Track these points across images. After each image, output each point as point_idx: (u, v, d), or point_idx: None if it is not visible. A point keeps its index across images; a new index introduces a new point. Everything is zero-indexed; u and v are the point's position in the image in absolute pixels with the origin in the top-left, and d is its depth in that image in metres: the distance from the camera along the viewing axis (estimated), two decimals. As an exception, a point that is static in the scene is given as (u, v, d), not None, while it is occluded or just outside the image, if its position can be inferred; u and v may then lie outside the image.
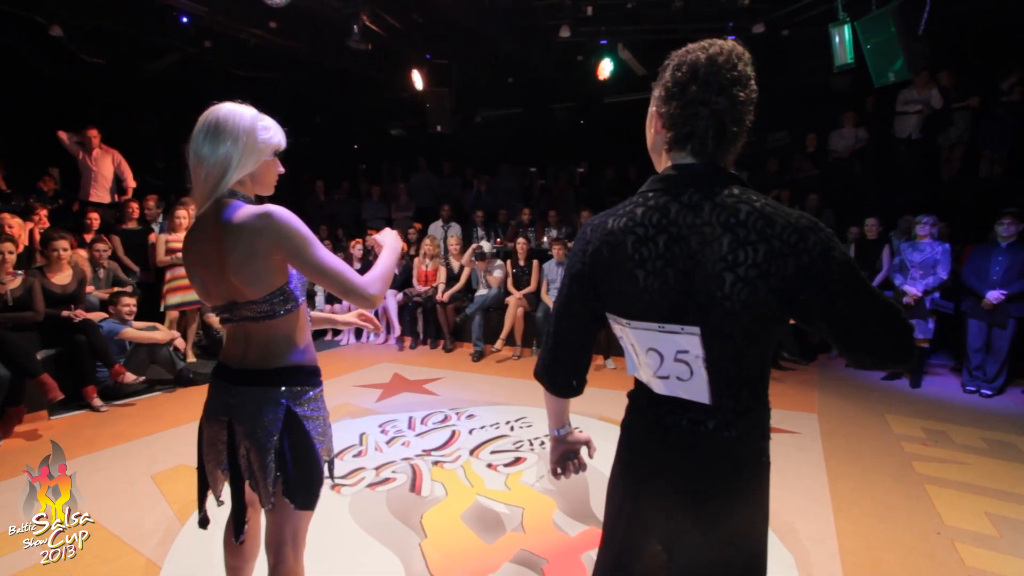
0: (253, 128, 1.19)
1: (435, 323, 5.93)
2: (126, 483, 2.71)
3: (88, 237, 4.98)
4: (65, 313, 3.88)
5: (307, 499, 1.24)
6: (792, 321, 0.90)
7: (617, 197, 7.65)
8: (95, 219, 5.19)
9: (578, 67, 7.46)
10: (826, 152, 6.87)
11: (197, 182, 1.18)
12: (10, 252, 3.72)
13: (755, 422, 0.92)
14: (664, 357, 0.92)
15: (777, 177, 7.02)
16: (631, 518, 1.00)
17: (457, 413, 3.73)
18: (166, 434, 3.38)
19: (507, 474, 2.79)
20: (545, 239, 6.68)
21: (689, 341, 0.88)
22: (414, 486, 2.66)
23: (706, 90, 0.87)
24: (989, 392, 4.18)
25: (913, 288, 4.49)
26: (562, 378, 1.08)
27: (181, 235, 4.95)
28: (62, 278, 4.04)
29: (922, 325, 4.41)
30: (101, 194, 5.76)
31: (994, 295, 4.12)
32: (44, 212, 5.14)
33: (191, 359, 4.98)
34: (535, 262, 5.74)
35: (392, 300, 6.02)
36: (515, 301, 5.48)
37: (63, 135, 5.62)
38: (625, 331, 0.97)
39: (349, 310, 5.63)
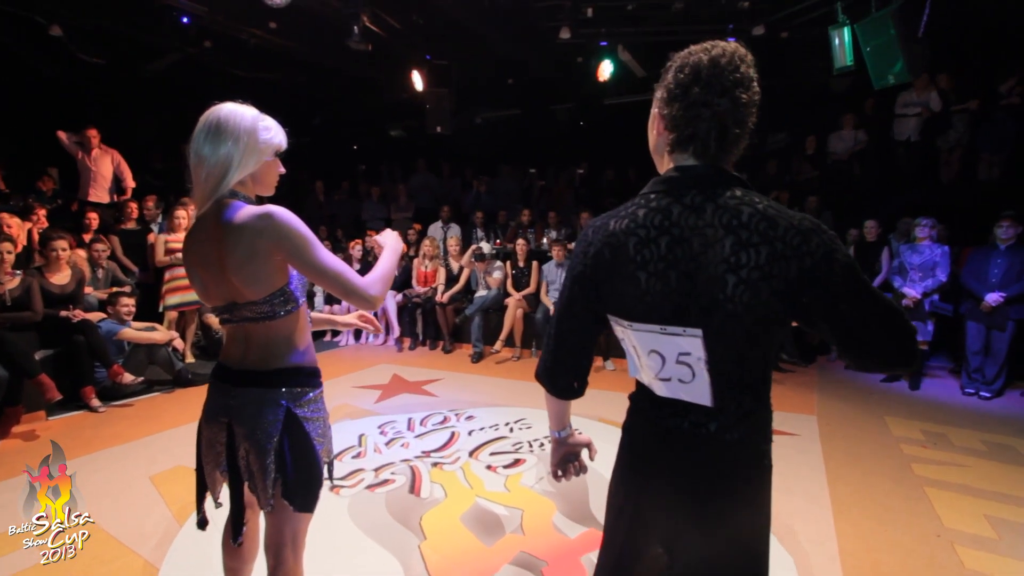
0: (254, 128, 1.18)
1: (434, 324, 5.92)
2: (124, 484, 2.70)
3: (87, 237, 4.97)
4: (63, 313, 3.87)
5: (307, 501, 1.24)
6: (794, 324, 0.89)
7: (616, 198, 7.68)
8: (94, 219, 5.18)
9: (578, 68, 7.47)
10: (825, 154, 6.88)
11: (198, 182, 1.18)
12: (9, 252, 3.71)
13: (757, 425, 0.91)
14: (666, 359, 0.91)
15: (776, 179, 7.04)
16: (632, 520, 1.00)
17: (456, 414, 3.72)
18: (164, 435, 3.37)
19: (506, 476, 2.78)
20: (545, 240, 6.68)
21: (691, 343, 0.88)
22: (413, 488, 2.65)
23: (708, 92, 0.87)
24: (988, 394, 4.19)
25: (912, 290, 4.50)
26: (563, 380, 1.08)
27: (180, 235, 4.95)
28: (61, 278, 4.03)
29: (921, 327, 4.42)
30: (100, 194, 5.75)
31: (993, 297, 4.13)
32: (43, 212, 5.13)
33: (190, 360, 4.97)
34: (534, 263, 5.74)
35: (391, 301, 6.01)
36: (514, 302, 5.48)
37: (62, 135, 5.61)
38: (627, 333, 0.96)
39: (349, 311, 5.63)
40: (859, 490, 2.66)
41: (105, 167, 5.75)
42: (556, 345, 1.06)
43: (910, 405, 4.03)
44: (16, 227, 4.44)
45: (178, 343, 4.54)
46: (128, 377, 3.90)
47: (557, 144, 9.70)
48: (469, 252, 5.93)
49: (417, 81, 7.02)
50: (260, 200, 1.26)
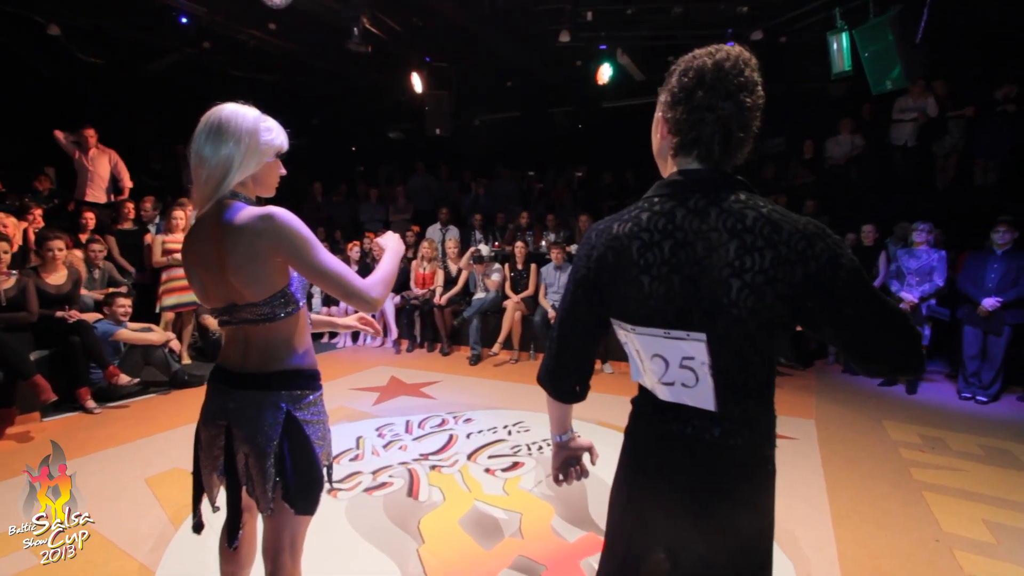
0: (256, 129, 1.18)
1: (432, 326, 5.91)
2: (119, 486, 2.68)
3: (83, 237, 4.94)
4: (59, 314, 3.84)
5: (307, 504, 1.23)
6: (799, 328, 0.89)
7: (615, 201, 7.69)
8: (91, 219, 5.16)
9: (577, 72, 7.49)
10: (823, 159, 6.92)
11: (198, 183, 1.17)
12: (4, 251, 3.68)
13: (761, 430, 0.91)
14: (669, 363, 0.91)
15: (774, 183, 7.06)
16: (635, 525, 0.99)
17: (455, 417, 3.71)
18: (160, 437, 3.35)
19: (505, 479, 2.77)
20: (543, 243, 6.68)
21: (695, 347, 0.87)
22: (411, 491, 2.64)
23: (712, 96, 0.87)
24: (985, 399, 4.20)
25: (909, 295, 4.51)
26: (565, 383, 1.08)
27: (177, 236, 4.93)
28: (57, 278, 4.01)
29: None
30: (97, 194, 5.72)
31: (989, 302, 4.15)
32: (39, 212, 5.11)
33: (186, 361, 4.95)
34: (533, 266, 5.73)
35: (389, 303, 5.99)
36: (513, 305, 5.47)
37: (59, 134, 5.59)
38: (630, 337, 0.96)
39: (347, 312, 5.61)
40: (858, 494, 2.66)
41: (102, 167, 5.73)
42: (558, 349, 1.05)
43: (907, 409, 4.04)
44: (12, 227, 4.41)
45: (174, 344, 4.52)
46: (124, 378, 3.87)
47: (556, 147, 9.72)
48: (467, 254, 5.92)
49: (416, 83, 7.03)
50: (261, 201, 1.25)
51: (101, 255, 4.76)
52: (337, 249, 6.99)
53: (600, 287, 0.97)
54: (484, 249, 6.23)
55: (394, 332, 6.03)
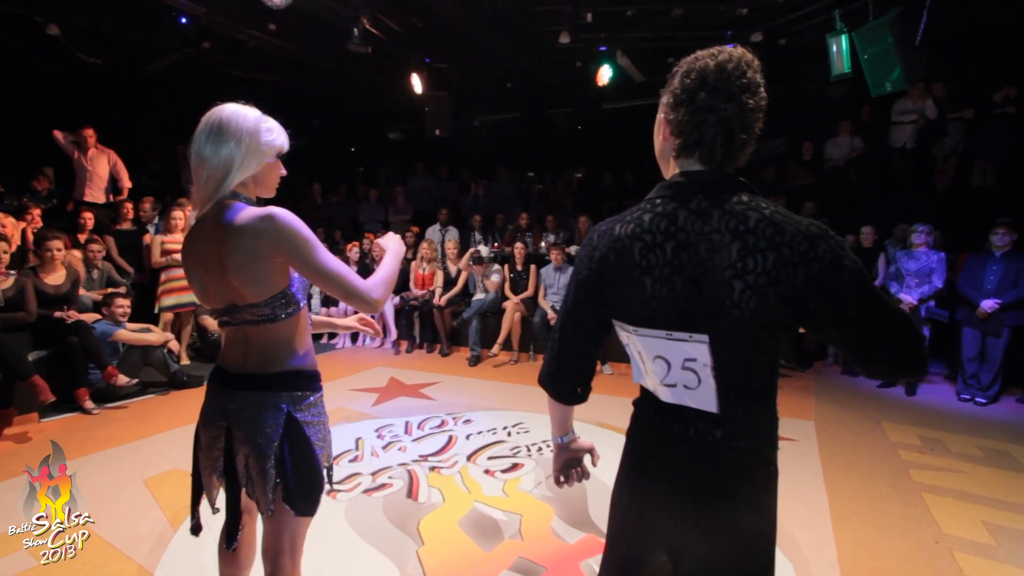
0: (256, 130, 1.17)
1: (432, 327, 5.90)
2: (118, 487, 2.67)
3: (82, 237, 4.94)
4: (58, 314, 3.83)
5: (307, 506, 1.22)
6: (802, 330, 0.89)
7: (614, 203, 7.70)
8: (89, 219, 5.15)
9: (577, 73, 7.50)
10: (822, 160, 6.93)
11: (198, 183, 1.17)
12: (3, 251, 3.67)
13: (764, 432, 0.91)
14: (671, 365, 0.91)
15: (773, 185, 7.08)
16: (636, 528, 0.99)
17: (454, 418, 3.70)
18: (159, 437, 3.34)
19: (505, 480, 2.77)
20: (543, 244, 6.68)
21: (697, 349, 0.87)
22: (411, 492, 2.64)
23: (715, 97, 0.87)
24: (983, 400, 4.20)
25: (908, 296, 4.52)
26: (567, 385, 1.07)
27: (176, 236, 4.92)
28: (55, 278, 4.00)
29: (918, 333, 4.43)
30: (96, 194, 5.71)
31: (988, 304, 4.15)
32: (37, 212, 5.10)
33: (185, 361, 4.94)
34: (532, 267, 5.73)
35: (389, 304, 5.99)
36: (512, 306, 5.47)
37: (58, 134, 5.58)
38: (632, 338, 0.96)
39: (346, 313, 5.61)
40: (857, 496, 2.66)
41: (101, 167, 5.72)
42: (560, 350, 1.05)
43: (906, 411, 4.04)
44: (11, 227, 4.41)
45: (173, 345, 4.51)
46: (122, 379, 3.86)
47: (555, 148, 9.72)
48: (467, 255, 5.92)
49: (416, 84, 7.03)
50: (261, 202, 1.25)
51: (100, 255, 4.75)
52: (336, 250, 6.99)
53: (602, 288, 0.97)
54: (484, 250, 6.23)
55: (393, 333, 6.02)
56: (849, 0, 4.97)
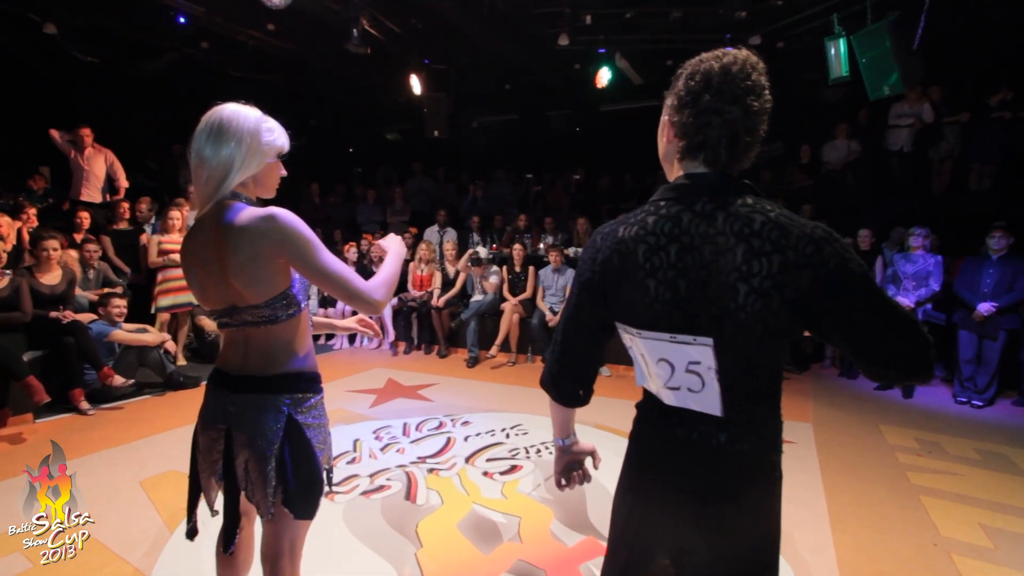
0: (257, 130, 1.17)
1: (430, 328, 5.89)
2: (113, 489, 2.65)
3: (78, 237, 4.91)
4: (53, 314, 3.81)
5: (307, 509, 1.21)
6: (806, 333, 0.89)
7: (613, 204, 7.70)
8: (85, 219, 5.12)
9: (576, 75, 7.50)
10: (819, 163, 6.96)
11: (198, 183, 1.16)
12: (-2, 251, 3.65)
13: (767, 435, 0.91)
14: (675, 368, 0.90)
15: (771, 187, 7.09)
16: (639, 531, 0.98)
17: (452, 420, 3.69)
18: (155, 439, 3.32)
19: (503, 482, 2.76)
20: (541, 245, 6.67)
21: (701, 352, 0.87)
22: (409, 494, 2.62)
23: (719, 99, 0.87)
24: (980, 403, 4.22)
25: (906, 299, 4.53)
26: (569, 387, 1.07)
27: (173, 236, 4.90)
28: (51, 278, 3.97)
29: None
30: (92, 194, 5.69)
31: (985, 307, 4.17)
32: (33, 211, 5.07)
33: (181, 362, 4.92)
34: (531, 268, 5.73)
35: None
36: (510, 307, 5.46)
37: (55, 133, 5.55)
38: (635, 341, 0.95)
39: (344, 314, 5.59)
40: (856, 498, 2.66)
41: (98, 166, 5.69)
42: (562, 352, 1.05)
43: (904, 413, 4.05)
44: (6, 226, 4.38)
45: (170, 345, 4.48)
46: (118, 379, 3.83)
47: (554, 149, 9.73)
48: (465, 256, 5.91)
49: (415, 85, 7.03)
50: (261, 202, 1.24)
51: (96, 255, 4.73)
52: (335, 251, 6.97)
53: (605, 290, 0.96)
54: (482, 251, 6.22)
55: (391, 334, 6.01)
56: (847, 4, 5.00)
